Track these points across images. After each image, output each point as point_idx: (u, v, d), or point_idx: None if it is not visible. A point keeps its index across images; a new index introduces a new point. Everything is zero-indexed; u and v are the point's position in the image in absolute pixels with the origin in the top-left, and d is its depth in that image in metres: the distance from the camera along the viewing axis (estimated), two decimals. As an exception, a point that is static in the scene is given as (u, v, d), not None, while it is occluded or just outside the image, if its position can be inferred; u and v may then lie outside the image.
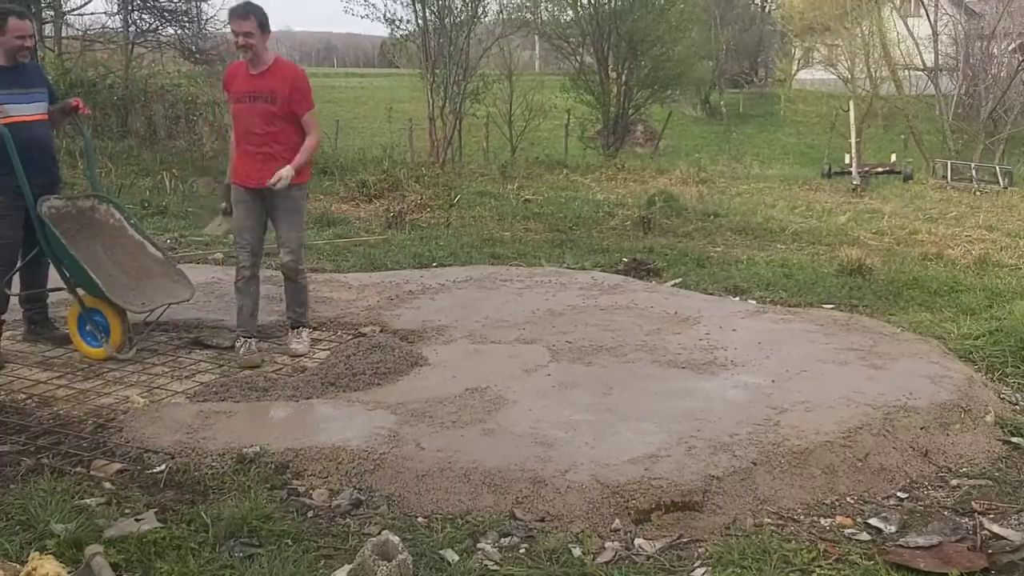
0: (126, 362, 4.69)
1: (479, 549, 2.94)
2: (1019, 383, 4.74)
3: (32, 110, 4.69)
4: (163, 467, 3.43)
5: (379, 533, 2.84)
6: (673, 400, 4.04)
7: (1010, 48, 25.86)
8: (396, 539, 2.64)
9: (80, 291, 4.76)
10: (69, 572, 2.45)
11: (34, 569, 2.38)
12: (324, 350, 4.96)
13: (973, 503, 3.34)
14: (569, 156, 21.47)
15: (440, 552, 2.88)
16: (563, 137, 22.94)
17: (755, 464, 3.37)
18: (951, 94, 26.23)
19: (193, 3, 19.70)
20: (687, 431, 3.64)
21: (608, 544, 3.00)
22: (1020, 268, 8.25)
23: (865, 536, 3.09)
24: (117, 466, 3.46)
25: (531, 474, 3.28)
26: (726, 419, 3.78)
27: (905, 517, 3.23)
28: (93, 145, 5.26)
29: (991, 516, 3.22)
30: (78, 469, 3.43)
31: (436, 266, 7.42)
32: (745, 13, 41.82)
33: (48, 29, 19.34)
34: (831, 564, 2.85)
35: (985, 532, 3.07)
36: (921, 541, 3.00)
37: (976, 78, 25.83)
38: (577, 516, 3.12)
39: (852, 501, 3.35)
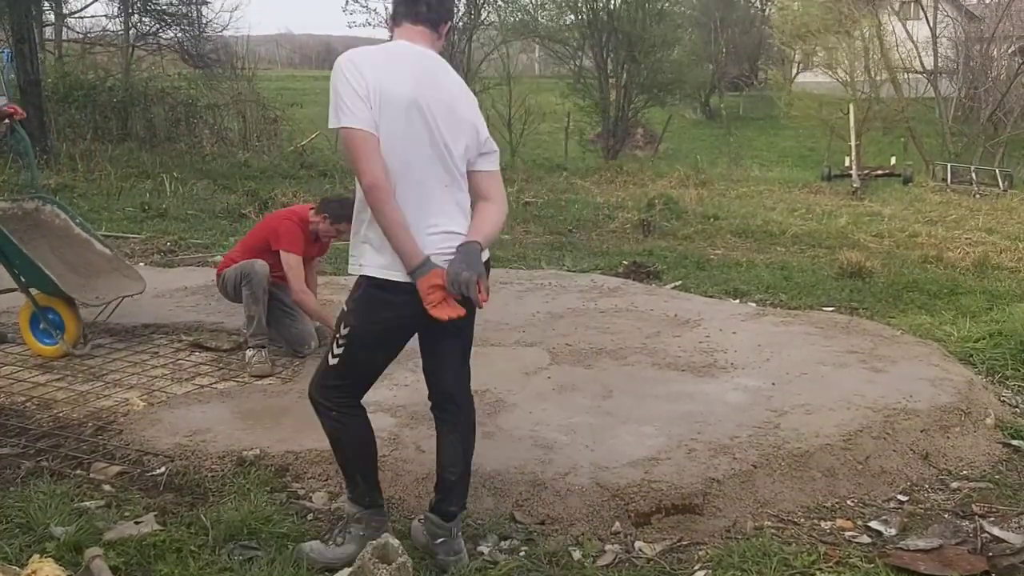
0: (83, 356, 4.71)
1: (479, 552, 2.94)
2: (1019, 386, 4.73)
3: None
4: (163, 470, 3.43)
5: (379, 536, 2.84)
6: (673, 403, 4.04)
7: (1010, 51, 25.88)
8: (396, 542, 2.64)
9: (33, 290, 4.76)
10: (69, 575, 2.44)
11: (34, 572, 2.38)
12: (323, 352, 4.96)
13: (973, 506, 3.34)
14: (569, 159, 21.47)
15: (440, 555, 2.88)
16: (563, 140, 22.94)
17: (755, 467, 3.37)
18: (951, 97, 26.20)
19: (193, 6, 19.75)
20: (687, 434, 3.64)
21: (608, 547, 3.00)
22: (1020, 271, 8.25)
23: (865, 539, 3.09)
24: (117, 469, 3.46)
25: (531, 477, 3.28)
26: (726, 422, 3.78)
27: (905, 520, 3.23)
28: (31, 145, 5.22)
29: (991, 519, 3.22)
30: (78, 472, 3.43)
31: (436, 269, 7.40)
32: (745, 16, 41.77)
33: (48, 32, 19.39)
34: (831, 567, 2.85)
35: (985, 535, 3.07)
36: (921, 544, 3.00)
37: (976, 81, 25.82)
38: (577, 519, 3.11)
39: (852, 504, 3.35)
